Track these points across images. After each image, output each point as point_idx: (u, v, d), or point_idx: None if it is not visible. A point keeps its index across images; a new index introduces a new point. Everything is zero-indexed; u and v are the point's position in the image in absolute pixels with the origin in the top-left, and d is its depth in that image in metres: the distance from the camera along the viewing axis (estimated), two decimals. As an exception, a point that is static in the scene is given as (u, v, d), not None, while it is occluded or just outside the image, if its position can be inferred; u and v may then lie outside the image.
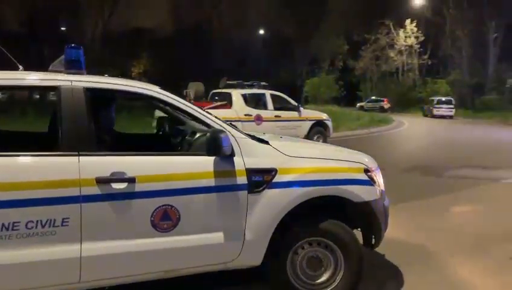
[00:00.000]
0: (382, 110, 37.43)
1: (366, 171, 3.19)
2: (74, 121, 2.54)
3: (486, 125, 25.53)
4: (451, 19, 38.20)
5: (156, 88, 2.87)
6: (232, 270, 2.91)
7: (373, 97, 42.03)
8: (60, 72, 2.70)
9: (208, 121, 2.84)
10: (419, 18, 39.73)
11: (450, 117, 32.03)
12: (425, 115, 34.17)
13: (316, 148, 3.63)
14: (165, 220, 2.62)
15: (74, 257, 2.42)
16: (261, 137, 3.14)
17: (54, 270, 2.41)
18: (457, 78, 39.15)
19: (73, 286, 2.48)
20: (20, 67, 2.94)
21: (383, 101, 40.53)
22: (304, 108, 12.00)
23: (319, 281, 3.05)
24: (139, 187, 2.54)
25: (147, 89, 2.84)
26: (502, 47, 36.27)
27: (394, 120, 25.25)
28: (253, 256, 2.88)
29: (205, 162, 2.73)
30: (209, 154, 2.69)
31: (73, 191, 2.39)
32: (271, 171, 2.87)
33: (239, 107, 10.10)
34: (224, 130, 2.72)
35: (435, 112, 32.72)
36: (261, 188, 2.83)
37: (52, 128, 3.07)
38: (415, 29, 40.33)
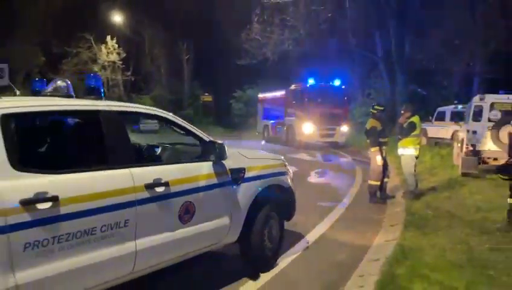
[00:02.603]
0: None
1: (285, 165, 4.74)
2: (119, 140, 3.14)
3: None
4: (149, 39, 40.91)
5: (164, 111, 3.66)
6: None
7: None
8: (69, 97, 3.17)
9: (200, 135, 3.83)
10: (120, 35, 40.66)
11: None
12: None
13: (253, 151, 4.71)
14: (187, 214, 3.39)
15: (132, 252, 2.95)
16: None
17: (117, 265, 2.91)
18: (159, 94, 42.29)
19: (127, 276, 3.01)
20: (17, 92, 3.50)
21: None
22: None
23: (272, 245, 4.31)
24: (172, 189, 3.23)
25: (158, 111, 3.62)
26: (194, 67, 41.58)
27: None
28: (233, 235, 3.92)
29: (209, 166, 3.65)
30: (217, 160, 3.67)
31: (132, 197, 2.96)
32: (243, 170, 3.97)
33: None
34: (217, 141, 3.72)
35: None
36: (239, 183, 3.91)
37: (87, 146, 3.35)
38: (117, 45, 41.07)
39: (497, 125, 9.46)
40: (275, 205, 4.36)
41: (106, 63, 42.11)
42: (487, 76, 22.53)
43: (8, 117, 2.56)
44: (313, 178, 10.64)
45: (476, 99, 10.43)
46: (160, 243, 3.15)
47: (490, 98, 10.23)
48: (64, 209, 2.58)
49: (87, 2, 37.14)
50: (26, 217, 2.43)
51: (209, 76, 37.44)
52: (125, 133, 3.23)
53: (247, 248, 4.09)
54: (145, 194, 3.04)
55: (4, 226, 2.34)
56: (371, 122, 7.77)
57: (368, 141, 7.82)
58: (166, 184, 3.18)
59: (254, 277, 4.10)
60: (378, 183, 7.68)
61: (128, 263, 2.95)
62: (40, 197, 2.50)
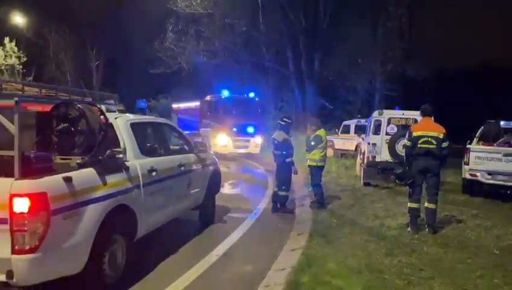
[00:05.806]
0: None
1: (215, 158, 7.44)
2: (167, 139, 5.99)
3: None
4: (54, 43, 38.18)
5: (168, 121, 6.83)
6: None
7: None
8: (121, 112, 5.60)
9: (188, 138, 6.72)
10: (20, 37, 37.35)
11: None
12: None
13: None
14: (189, 184, 5.87)
15: (175, 204, 5.50)
16: None
17: (172, 210, 5.44)
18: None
19: (171, 218, 5.53)
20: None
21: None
22: None
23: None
24: (185, 168, 5.69)
25: (172, 123, 6.80)
26: (105, 74, 39.56)
27: None
28: (201, 199, 6.43)
29: (194, 156, 6.23)
30: (199, 152, 6.35)
31: (174, 171, 5.39)
32: (206, 158, 6.71)
33: None
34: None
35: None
36: (205, 167, 6.58)
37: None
38: (16, 48, 37.69)
39: (394, 138, 10.32)
40: (214, 181, 6.90)
41: (4, 67, 38.43)
42: (386, 93, 24.59)
43: (134, 124, 4.80)
44: (227, 189, 10.62)
45: (375, 114, 11.28)
46: (181, 201, 5.71)
47: (387, 113, 11.14)
48: (159, 176, 4.82)
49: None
50: (149, 179, 4.62)
51: (121, 84, 35.85)
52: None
53: (205, 207, 6.59)
54: (178, 171, 5.47)
55: (143, 183, 4.46)
56: (281, 135, 7.85)
57: (273, 153, 7.93)
58: (183, 165, 5.62)
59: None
60: (288, 193, 7.89)
61: (173, 210, 5.42)
62: (152, 169, 4.70)
